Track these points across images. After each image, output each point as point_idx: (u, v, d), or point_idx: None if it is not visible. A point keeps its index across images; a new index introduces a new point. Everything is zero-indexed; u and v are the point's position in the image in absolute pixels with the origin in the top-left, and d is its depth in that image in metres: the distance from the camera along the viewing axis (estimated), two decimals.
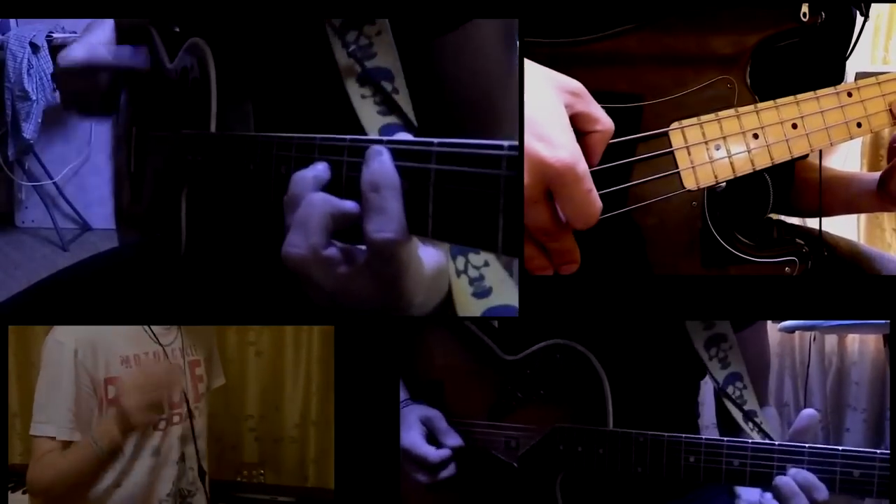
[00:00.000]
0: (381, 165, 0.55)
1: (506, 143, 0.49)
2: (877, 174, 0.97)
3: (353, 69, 0.75)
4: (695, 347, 0.94)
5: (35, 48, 2.99)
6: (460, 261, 0.72)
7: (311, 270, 0.58)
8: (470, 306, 0.68)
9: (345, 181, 0.59)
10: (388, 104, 0.74)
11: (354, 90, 0.75)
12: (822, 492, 0.80)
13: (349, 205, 0.58)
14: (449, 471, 0.97)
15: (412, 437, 0.97)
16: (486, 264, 0.71)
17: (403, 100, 0.74)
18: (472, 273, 0.70)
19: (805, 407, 2.30)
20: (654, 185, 0.76)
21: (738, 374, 0.94)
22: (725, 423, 0.95)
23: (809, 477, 0.80)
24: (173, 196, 0.88)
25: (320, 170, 0.60)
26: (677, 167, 0.77)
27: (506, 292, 0.71)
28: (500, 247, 0.49)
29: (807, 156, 0.90)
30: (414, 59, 0.82)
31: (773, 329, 2.09)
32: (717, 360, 0.94)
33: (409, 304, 0.61)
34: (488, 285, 0.70)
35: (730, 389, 0.94)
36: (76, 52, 0.97)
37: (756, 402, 0.94)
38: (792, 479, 0.80)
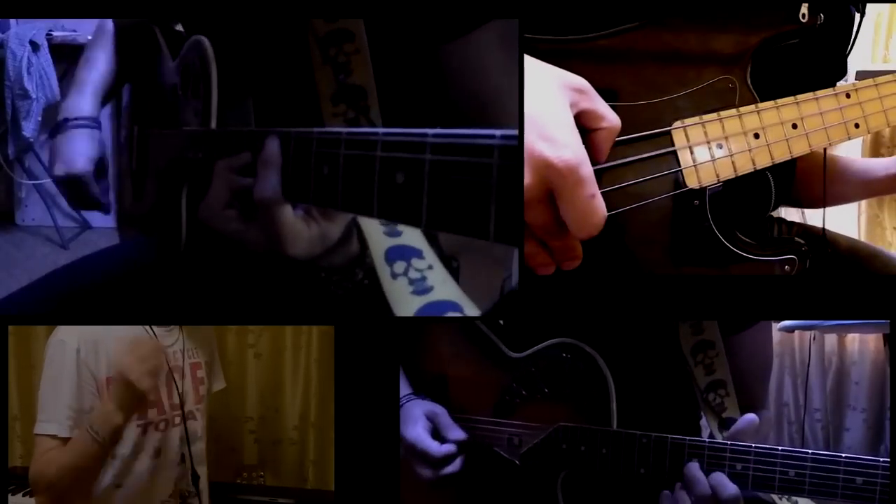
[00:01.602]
0: (270, 150, 0.70)
1: (499, 132, 0.49)
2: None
3: (329, 88, 0.82)
4: (682, 352, 0.94)
5: (35, 46, 2.98)
6: (399, 265, 0.76)
7: (215, 224, 0.77)
8: (409, 302, 0.74)
9: (342, 170, 0.63)
10: (354, 123, 0.80)
11: (328, 109, 0.81)
12: (729, 489, 0.81)
13: (244, 180, 0.74)
14: (453, 466, 0.96)
15: (417, 431, 0.96)
16: (430, 267, 0.77)
17: (372, 116, 0.80)
18: (413, 275, 0.76)
19: (805, 407, 2.30)
20: (656, 183, 0.76)
21: (721, 381, 0.95)
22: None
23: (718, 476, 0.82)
24: (174, 194, 0.88)
25: (241, 156, 0.75)
26: (679, 166, 0.77)
27: (447, 290, 0.75)
28: (491, 235, 0.49)
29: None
30: (418, 66, 0.83)
31: (773, 329, 2.08)
32: (703, 366, 0.95)
33: (286, 250, 0.74)
34: (430, 285, 0.75)
35: (710, 396, 0.95)
36: (75, 165, 1.07)
37: (737, 409, 0.94)
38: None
